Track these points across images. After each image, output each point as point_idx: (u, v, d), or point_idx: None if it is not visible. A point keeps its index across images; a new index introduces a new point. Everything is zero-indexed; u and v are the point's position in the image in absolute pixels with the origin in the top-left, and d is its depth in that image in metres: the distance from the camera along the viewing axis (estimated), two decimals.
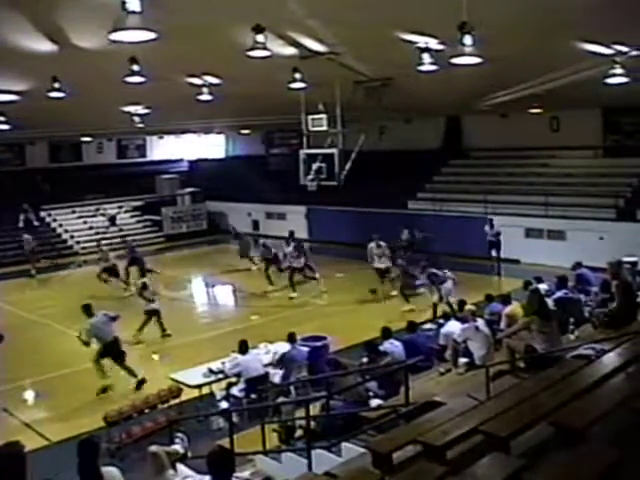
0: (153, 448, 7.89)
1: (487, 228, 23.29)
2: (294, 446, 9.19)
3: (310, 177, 18.75)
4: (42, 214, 34.07)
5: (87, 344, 13.59)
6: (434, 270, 17.31)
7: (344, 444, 8.09)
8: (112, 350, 13.69)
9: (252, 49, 11.63)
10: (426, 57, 12.87)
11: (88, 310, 13.85)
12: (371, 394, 10.19)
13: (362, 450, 7.11)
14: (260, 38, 11.37)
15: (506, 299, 13.09)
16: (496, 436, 5.56)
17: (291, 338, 12.43)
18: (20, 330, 17.53)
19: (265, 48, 11.61)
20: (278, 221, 33.53)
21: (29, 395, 14.07)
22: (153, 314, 16.58)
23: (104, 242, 26.38)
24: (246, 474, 7.55)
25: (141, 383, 13.44)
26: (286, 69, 15.17)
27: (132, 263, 22.22)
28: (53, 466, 5.41)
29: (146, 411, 11.31)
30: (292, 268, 20.69)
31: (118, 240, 29.86)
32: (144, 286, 17.06)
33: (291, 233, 23.03)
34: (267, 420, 9.92)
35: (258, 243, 23.89)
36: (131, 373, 13.65)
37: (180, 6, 10.09)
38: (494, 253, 23.09)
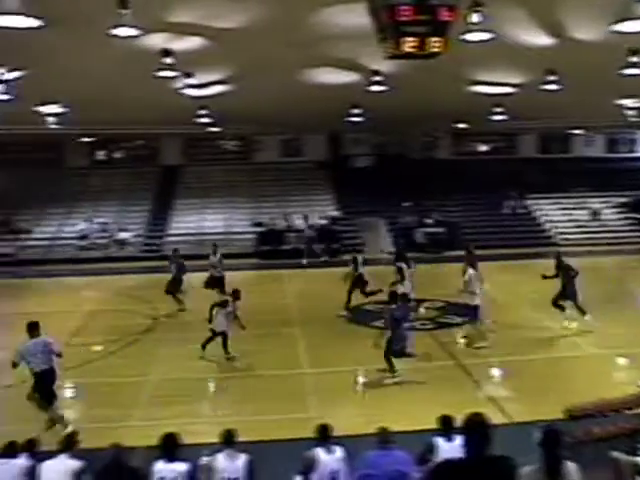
0: (615, 454, 7.63)
1: None
2: None
3: None
4: (527, 202, 35.03)
5: (15, 365, 11.35)
6: None
7: None
8: (39, 384, 11.33)
9: None
10: None
11: (31, 329, 11.42)
12: None
13: None
14: None
15: None
16: None
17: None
18: (503, 309, 18.81)
19: None
20: None
21: (498, 372, 14.70)
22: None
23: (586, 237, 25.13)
24: None
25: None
26: None
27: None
28: (509, 444, 5.59)
29: (608, 414, 10.99)
30: None
31: (600, 236, 29.25)
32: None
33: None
34: None
35: None
36: (57, 420, 11.14)
37: None
38: None
